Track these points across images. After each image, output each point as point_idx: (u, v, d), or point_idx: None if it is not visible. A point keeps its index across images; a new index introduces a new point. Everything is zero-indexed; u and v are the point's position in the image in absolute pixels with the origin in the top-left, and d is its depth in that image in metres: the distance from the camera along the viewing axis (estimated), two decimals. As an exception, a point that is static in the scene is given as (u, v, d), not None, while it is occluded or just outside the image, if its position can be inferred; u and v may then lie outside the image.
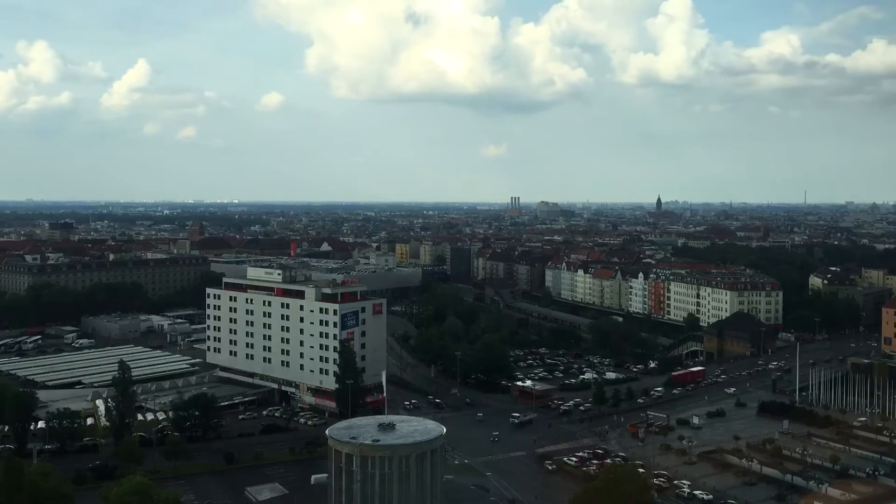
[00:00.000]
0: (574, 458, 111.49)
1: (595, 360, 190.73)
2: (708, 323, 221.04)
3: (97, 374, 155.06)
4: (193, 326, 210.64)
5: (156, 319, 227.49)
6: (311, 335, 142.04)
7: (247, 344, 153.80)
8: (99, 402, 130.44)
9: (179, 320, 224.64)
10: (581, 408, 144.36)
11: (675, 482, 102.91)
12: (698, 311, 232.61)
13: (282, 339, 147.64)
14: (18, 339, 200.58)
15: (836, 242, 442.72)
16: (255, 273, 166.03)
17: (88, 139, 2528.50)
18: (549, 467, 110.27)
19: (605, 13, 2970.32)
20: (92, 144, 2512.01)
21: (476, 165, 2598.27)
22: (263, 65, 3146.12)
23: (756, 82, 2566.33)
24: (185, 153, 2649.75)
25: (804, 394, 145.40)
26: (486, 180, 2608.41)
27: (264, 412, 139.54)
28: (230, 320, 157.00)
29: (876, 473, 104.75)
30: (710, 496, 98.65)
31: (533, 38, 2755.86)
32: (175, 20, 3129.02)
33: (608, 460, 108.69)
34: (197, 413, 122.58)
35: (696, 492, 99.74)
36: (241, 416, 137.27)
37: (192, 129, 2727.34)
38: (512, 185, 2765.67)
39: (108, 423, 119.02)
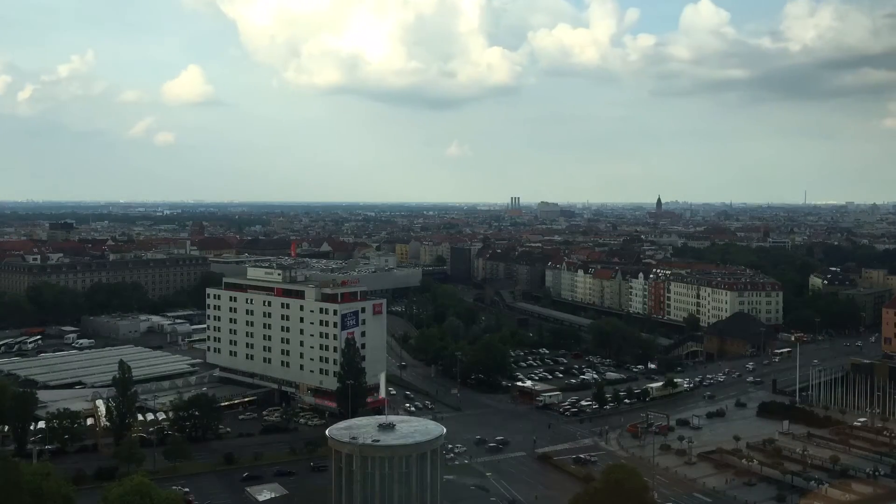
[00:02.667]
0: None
1: (595, 361, 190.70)
2: (708, 323, 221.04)
3: (97, 374, 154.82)
4: (193, 326, 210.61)
5: (156, 319, 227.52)
6: (311, 335, 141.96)
7: (247, 344, 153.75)
8: (99, 403, 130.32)
9: (179, 320, 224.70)
10: (584, 402, 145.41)
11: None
12: (698, 311, 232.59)
13: (282, 339, 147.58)
14: (18, 339, 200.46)
15: (836, 243, 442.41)
16: (255, 273, 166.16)
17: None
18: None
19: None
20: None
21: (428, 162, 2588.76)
22: (199, 59, 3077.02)
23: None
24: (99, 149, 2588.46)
25: (804, 394, 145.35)
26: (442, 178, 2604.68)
27: (264, 412, 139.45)
28: (230, 320, 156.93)
29: (876, 474, 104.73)
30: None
31: (470, 26, 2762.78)
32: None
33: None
34: (197, 413, 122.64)
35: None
36: (241, 417, 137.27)
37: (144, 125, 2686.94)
38: (471, 183, 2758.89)
39: (108, 424, 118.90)
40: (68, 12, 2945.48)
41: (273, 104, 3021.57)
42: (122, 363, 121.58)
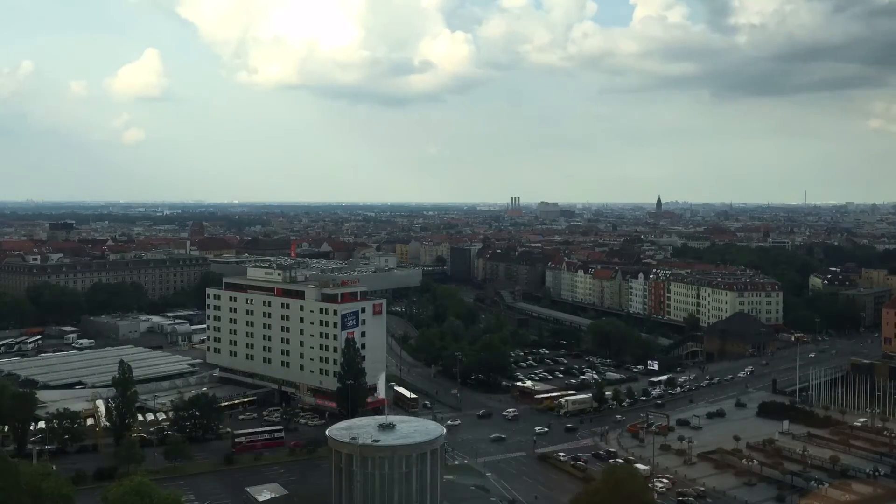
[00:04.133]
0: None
1: (596, 361, 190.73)
2: (708, 323, 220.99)
3: (97, 374, 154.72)
4: (193, 326, 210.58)
5: (156, 319, 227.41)
6: (312, 336, 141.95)
7: (247, 344, 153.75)
8: (99, 403, 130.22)
9: (179, 320, 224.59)
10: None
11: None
12: (698, 311, 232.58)
13: (282, 339, 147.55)
14: (18, 339, 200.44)
15: (836, 243, 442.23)
16: (255, 273, 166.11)
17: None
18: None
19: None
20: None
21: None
22: (162, 53, 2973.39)
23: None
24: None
25: (804, 394, 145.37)
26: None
27: (264, 412, 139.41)
28: (230, 320, 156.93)
29: (876, 474, 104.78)
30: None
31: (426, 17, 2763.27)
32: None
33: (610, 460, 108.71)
34: (197, 413, 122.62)
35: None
36: (241, 417, 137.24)
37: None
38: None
39: (108, 424, 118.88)
40: (41, 10, 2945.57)
41: (233, 99, 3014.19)
42: (122, 363, 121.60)
